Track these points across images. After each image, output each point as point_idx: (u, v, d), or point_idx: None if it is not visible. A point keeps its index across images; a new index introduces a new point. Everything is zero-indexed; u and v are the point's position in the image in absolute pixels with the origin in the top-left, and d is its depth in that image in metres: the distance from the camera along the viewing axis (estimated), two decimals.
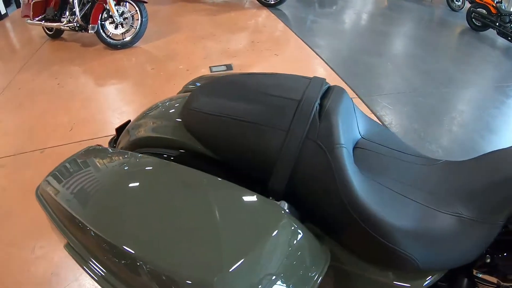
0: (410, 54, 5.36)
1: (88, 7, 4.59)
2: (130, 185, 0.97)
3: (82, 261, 0.90)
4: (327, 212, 1.01)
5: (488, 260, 1.05)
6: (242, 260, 0.77)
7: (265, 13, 6.17)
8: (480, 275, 1.06)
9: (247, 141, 1.06)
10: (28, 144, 2.94)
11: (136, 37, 4.71)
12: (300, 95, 1.08)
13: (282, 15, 6.01)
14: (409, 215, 1.01)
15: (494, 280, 1.04)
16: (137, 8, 4.61)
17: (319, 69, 4.28)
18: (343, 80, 4.07)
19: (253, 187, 0.97)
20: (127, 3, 4.64)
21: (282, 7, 6.42)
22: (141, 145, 1.27)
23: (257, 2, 6.50)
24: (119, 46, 4.67)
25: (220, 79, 1.26)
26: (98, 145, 1.25)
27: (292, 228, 0.90)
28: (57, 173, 1.07)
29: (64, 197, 0.96)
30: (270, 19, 5.89)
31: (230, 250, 0.78)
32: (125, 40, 4.69)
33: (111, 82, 3.91)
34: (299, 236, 0.90)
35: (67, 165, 1.09)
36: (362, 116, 1.29)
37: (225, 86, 1.22)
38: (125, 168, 1.04)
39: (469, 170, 1.15)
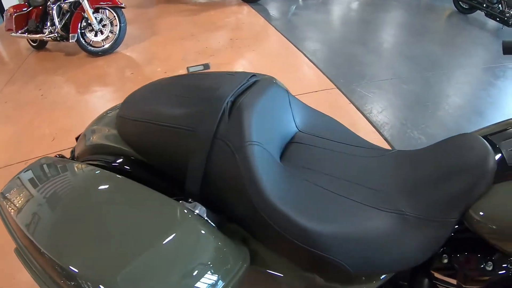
0: (395, 40, 5.36)
1: (68, 17, 4.64)
2: (62, 195, 1.00)
3: (28, 266, 0.95)
4: (241, 214, 0.99)
5: (446, 261, 0.97)
6: (135, 260, 0.78)
7: (245, 9, 6.21)
8: (439, 277, 0.99)
9: (165, 145, 1.06)
10: (16, 156, 3.02)
11: (116, 43, 4.76)
12: (214, 94, 1.06)
13: (262, 10, 6.05)
14: (338, 215, 0.94)
15: (453, 281, 0.96)
16: (115, 14, 4.67)
17: (298, 62, 4.32)
18: (322, 72, 4.09)
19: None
20: (105, 10, 4.69)
21: (264, 1, 6.45)
22: (90, 153, 1.28)
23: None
24: (100, 53, 4.73)
25: (148, 85, 1.28)
26: (58, 154, 1.30)
27: (197, 229, 0.89)
28: (11, 184, 1.10)
29: (12, 206, 1.00)
30: (250, 15, 5.93)
31: (125, 251, 0.81)
32: (104, 47, 4.74)
33: (92, 89, 3.98)
34: (205, 237, 0.89)
35: (21, 176, 1.12)
36: (302, 108, 1.26)
37: (151, 91, 1.23)
38: (63, 179, 1.06)
39: (420, 161, 1.07)
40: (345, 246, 0.91)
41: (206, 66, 4.08)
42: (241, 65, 4.20)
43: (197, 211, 0.95)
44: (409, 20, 6.14)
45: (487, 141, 0.99)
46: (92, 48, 4.71)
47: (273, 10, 6.17)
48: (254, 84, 1.14)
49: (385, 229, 0.93)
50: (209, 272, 0.84)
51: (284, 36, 4.99)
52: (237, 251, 0.93)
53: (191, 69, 4.00)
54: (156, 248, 0.83)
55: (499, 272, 0.92)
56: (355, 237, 0.91)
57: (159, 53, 4.67)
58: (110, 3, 4.63)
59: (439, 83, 4.05)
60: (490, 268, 0.91)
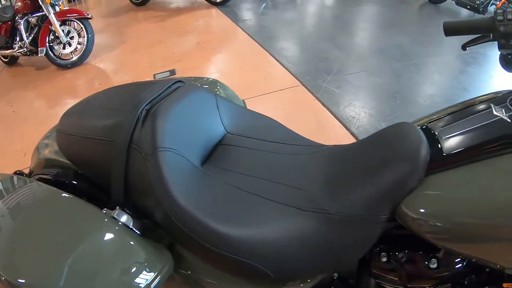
0: (365, 34, 5.43)
1: (36, 31, 4.65)
2: (2, 211, 1.01)
3: None
4: (159, 220, 0.99)
5: (385, 259, 0.95)
6: (55, 269, 0.82)
7: (214, 12, 6.26)
8: (383, 276, 0.97)
9: (92, 157, 1.08)
10: None
11: (84, 55, 4.78)
12: (132, 103, 1.07)
13: (230, 12, 6.10)
14: (254, 218, 0.93)
15: (395, 278, 0.95)
16: (82, 26, 4.70)
17: (263, 61, 4.38)
18: (288, 70, 4.15)
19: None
20: (73, 21, 4.72)
21: (232, 3, 6.49)
22: (42, 167, 1.30)
23: (206, 2, 6.58)
24: (69, 65, 4.75)
25: (84, 100, 1.30)
26: (17, 171, 1.30)
27: (117, 236, 0.91)
28: None
29: None
30: (218, 18, 5.98)
31: (47, 261, 0.84)
32: (73, 59, 4.77)
33: (62, 103, 4.01)
34: (125, 244, 0.91)
35: None
36: (233, 110, 1.26)
37: (84, 106, 1.23)
38: (8, 196, 1.07)
39: (351, 155, 1.05)
40: (262, 249, 0.89)
41: (172, 72, 4.13)
42: (207, 69, 4.26)
43: (120, 219, 0.97)
44: (380, 13, 6.21)
45: (426, 129, 0.98)
46: (61, 61, 4.73)
47: (241, 11, 6.23)
48: (175, 90, 1.15)
49: (307, 230, 0.90)
50: (127, 278, 0.86)
51: (251, 37, 5.05)
52: (158, 256, 0.94)
53: (158, 76, 4.06)
54: (74, 257, 0.85)
55: (444, 269, 0.91)
56: (273, 240, 0.89)
57: (127, 62, 4.72)
58: (76, 14, 4.65)
59: (408, 74, 4.11)
60: (435, 266, 0.90)
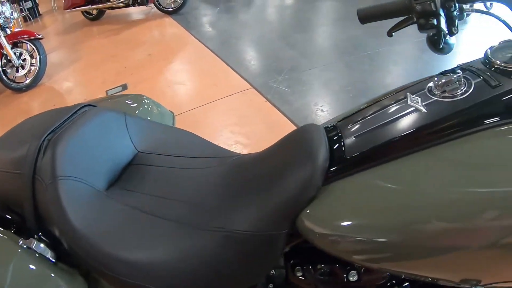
0: (318, 30, 5.47)
1: None
2: None
3: None
4: (66, 248, 0.96)
5: (300, 274, 0.91)
6: None
7: (167, 21, 6.29)
8: None
9: (6, 190, 1.07)
10: None
11: (38, 76, 4.75)
12: (37, 133, 1.06)
13: (183, 20, 6.14)
14: (154, 240, 0.91)
15: None
16: (34, 47, 4.68)
17: (214, 67, 4.44)
18: (238, 74, 4.18)
19: None
20: (24, 43, 4.69)
21: (185, 10, 6.50)
22: None
23: (160, 11, 6.59)
24: (23, 88, 4.73)
25: (6, 132, 1.27)
26: None
27: (28, 265, 0.91)
28: None
29: None
30: (171, 27, 6.03)
31: None
32: (26, 82, 4.74)
33: None
34: (36, 272, 0.92)
35: None
36: (145, 128, 1.24)
37: (3, 138, 1.21)
38: None
39: (254, 165, 1.01)
40: (158, 272, 0.86)
41: (124, 86, 4.17)
42: (157, 80, 4.31)
43: (35, 248, 0.95)
44: (333, 8, 6.26)
45: (332, 129, 0.93)
46: (16, 85, 4.72)
47: (194, 18, 6.27)
48: (80, 115, 1.12)
49: (206, 249, 0.87)
50: None
51: (203, 44, 5.11)
52: (71, 283, 0.94)
53: (110, 92, 4.09)
54: None
55: (367, 281, 0.87)
56: (170, 261, 0.87)
57: (80, 80, 4.76)
58: (27, 36, 4.65)
59: (361, 66, 4.13)
60: (355, 278, 0.86)
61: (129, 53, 5.19)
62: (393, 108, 0.89)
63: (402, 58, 4.26)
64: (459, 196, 0.70)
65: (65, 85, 4.71)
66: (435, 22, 0.90)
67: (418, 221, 0.72)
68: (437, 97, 0.84)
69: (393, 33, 1.04)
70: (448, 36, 0.96)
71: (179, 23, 6.06)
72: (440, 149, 0.77)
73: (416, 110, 0.84)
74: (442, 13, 0.91)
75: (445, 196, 0.71)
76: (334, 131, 0.93)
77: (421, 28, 0.93)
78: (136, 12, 6.99)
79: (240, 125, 3.30)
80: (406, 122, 0.83)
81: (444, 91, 0.84)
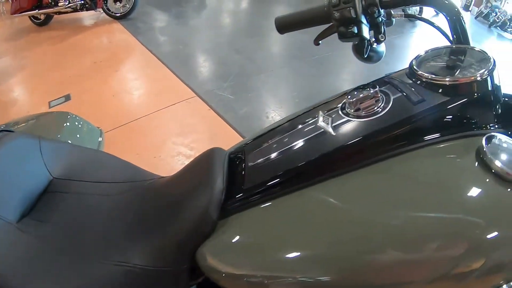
0: (266, 35, 5.51)
1: None
2: None
3: None
4: None
5: None
6: None
7: (115, 27, 6.20)
8: None
9: None
10: None
11: None
12: None
13: (131, 26, 6.07)
14: (55, 276, 0.86)
15: None
16: None
17: (159, 76, 4.44)
18: (184, 82, 4.20)
19: None
20: None
21: (135, 15, 6.42)
22: None
23: (108, 16, 6.49)
24: None
25: None
26: None
27: None
28: None
29: None
30: (119, 33, 5.96)
31: None
32: None
33: None
34: None
35: None
36: (59, 151, 1.17)
37: None
38: None
39: (163, 192, 0.98)
40: None
41: (67, 97, 4.09)
42: (102, 90, 4.25)
43: None
44: (284, 12, 6.27)
45: (237, 155, 0.90)
46: None
47: (143, 24, 6.21)
48: None
49: (109, 284, 0.82)
50: None
51: (149, 51, 5.08)
52: None
53: (53, 103, 4.01)
54: None
55: None
56: None
57: (23, 91, 4.63)
58: None
59: (308, 70, 4.19)
60: None
61: (74, 60, 5.08)
62: (302, 130, 0.83)
63: (350, 62, 4.30)
64: (367, 231, 0.64)
65: (8, 96, 4.57)
66: (355, 30, 0.84)
67: (318, 257, 0.67)
68: (350, 117, 0.78)
69: (320, 42, 0.99)
70: (375, 44, 0.93)
71: (127, 28, 5.99)
72: (349, 177, 0.72)
73: (325, 132, 0.78)
74: (364, 20, 0.85)
75: (349, 230, 0.66)
76: (238, 157, 0.88)
77: (342, 37, 0.87)
78: (84, 17, 6.86)
79: (183, 135, 3.32)
80: (312, 147, 0.77)
81: (358, 109, 0.78)
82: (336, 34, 0.90)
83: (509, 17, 12.25)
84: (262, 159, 0.83)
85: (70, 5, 6.12)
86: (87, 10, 6.27)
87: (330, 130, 0.77)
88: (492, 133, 0.68)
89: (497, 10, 12.27)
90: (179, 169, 1.02)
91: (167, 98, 3.90)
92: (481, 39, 11.35)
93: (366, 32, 0.86)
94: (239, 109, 3.71)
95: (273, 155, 0.82)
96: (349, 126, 0.76)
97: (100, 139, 1.67)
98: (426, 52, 0.86)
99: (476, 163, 0.66)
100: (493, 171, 0.64)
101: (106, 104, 3.87)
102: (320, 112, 0.84)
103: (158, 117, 3.60)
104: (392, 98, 0.78)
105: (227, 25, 6.27)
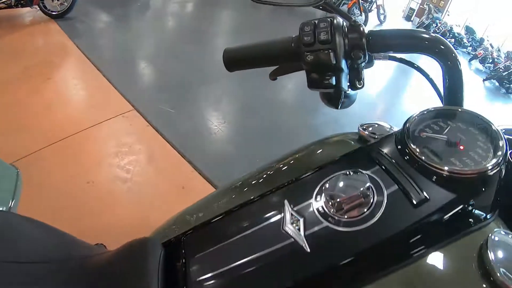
0: (212, 40, 5.47)
1: None
2: None
3: None
4: None
5: None
6: None
7: (51, 27, 5.75)
8: None
9: None
10: None
11: None
12: None
13: (68, 26, 5.66)
14: None
15: None
16: None
17: (95, 86, 4.17)
18: (122, 93, 3.97)
19: None
20: None
21: (73, 15, 5.99)
22: None
23: (44, 15, 6.02)
24: None
25: None
26: None
27: None
28: None
29: None
30: (54, 34, 5.52)
31: None
32: None
33: None
34: None
35: None
36: None
37: None
38: None
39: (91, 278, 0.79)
40: None
41: None
42: (30, 102, 3.84)
43: None
44: (230, 17, 6.16)
45: (174, 249, 0.74)
46: None
47: (81, 25, 5.83)
48: None
49: None
50: None
51: (86, 56, 4.74)
52: None
53: None
54: None
55: None
56: None
57: None
58: None
59: (254, 81, 3.96)
60: None
61: (2, 66, 4.64)
62: (263, 233, 0.64)
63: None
64: None
65: None
66: (333, 81, 0.69)
67: None
68: (330, 222, 0.59)
69: (276, 77, 0.88)
70: (349, 90, 0.76)
71: (63, 29, 5.58)
72: None
73: (295, 244, 0.58)
74: (344, 67, 0.70)
75: None
76: (176, 254, 0.70)
77: (313, 86, 0.72)
78: (18, 14, 6.34)
79: (120, 156, 3.09)
80: (278, 264, 0.59)
81: (340, 209, 0.58)
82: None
83: (449, 28, 12.85)
84: (209, 267, 0.64)
85: (4, 0, 5.62)
86: (22, 6, 5.75)
87: (303, 243, 0.57)
88: (496, 231, 0.56)
89: (437, 21, 12.80)
90: (107, 251, 0.84)
91: (102, 112, 3.63)
92: None
93: (345, 82, 0.72)
94: (180, 125, 3.53)
95: (225, 265, 0.63)
96: (330, 237, 0.57)
97: (16, 183, 1.39)
98: (421, 115, 0.70)
99: (478, 271, 0.53)
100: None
101: (35, 119, 3.50)
102: (286, 204, 0.64)
103: (91, 135, 3.32)
104: (386, 194, 0.60)
105: (170, 29, 6.04)
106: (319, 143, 0.94)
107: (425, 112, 0.71)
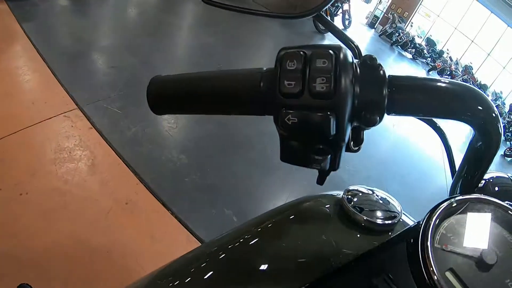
0: (170, 34, 5.14)
1: None
2: None
3: None
4: None
5: None
6: None
7: (2, 9, 5.20)
8: None
9: None
10: None
11: None
12: None
13: (19, 8, 4.96)
14: None
15: None
16: None
17: (39, 78, 3.75)
18: (64, 87, 3.58)
19: None
20: None
21: None
22: None
23: None
24: None
25: None
26: None
27: None
28: None
29: None
30: (2, 16, 4.96)
31: None
32: None
33: None
34: None
35: None
36: None
37: None
38: None
39: None
40: None
41: None
42: None
43: None
44: (193, 12, 5.84)
45: None
46: None
47: (33, 8, 5.13)
48: None
49: None
50: None
51: (33, 44, 4.23)
52: None
53: None
54: None
55: None
56: None
57: None
58: None
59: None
60: None
61: None
62: None
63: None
64: None
65: None
66: (327, 164, 0.46)
67: None
68: None
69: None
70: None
71: (13, 12, 5.03)
72: None
73: None
74: (347, 136, 0.46)
75: None
76: None
77: (290, 161, 0.49)
78: None
79: (58, 163, 2.77)
80: None
81: None
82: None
83: (411, 38, 13.00)
84: None
85: None
86: None
87: None
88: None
89: (400, 31, 12.92)
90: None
91: (43, 110, 3.26)
92: (384, 56, 11.79)
93: (338, 158, 0.47)
94: (127, 128, 3.24)
95: None
96: None
97: None
98: (447, 209, 0.52)
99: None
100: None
101: None
102: None
103: (28, 136, 2.96)
104: None
105: (131, 20, 5.66)
106: (296, 210, 0.79)
107: (454, 204, 0.51)
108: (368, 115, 0.44)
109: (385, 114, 0.46)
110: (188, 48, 4.65)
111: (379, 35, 13.89)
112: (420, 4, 14.67)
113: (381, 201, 0.73)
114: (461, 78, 10.83)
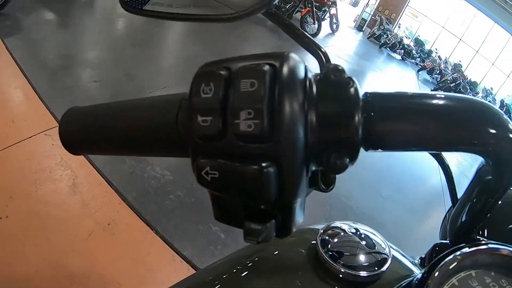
0: (158, 45, 4.97)
1: None
2: None
3: None
4: None
5: None
6: None
7: None
8: None
9: None
10: None
11: None
12: None
13: (0, 22, 4.98)
14: None
15: None
16: None
17: (18, 96, 3.60)
18: (46, 104, 3.44)
19: None
20: None
21: (9, 11, 5.24)
22: None
23: None
24: None
25: None
26: None
27: None
28: None
29: None
30: None
31: None
32: None
33: None
34: None
35: None
36: None
37: None
38: None
39: None
40: None
41: None
42: None
43: None
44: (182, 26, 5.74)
45: None
46: None
47: (15, 22, 5.04)
48: None
49: None
50: None
51: (14, 59, 4.07)
52: None
53: None
54: None
55: None
56: None
57: None
58: None
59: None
60: None
61: None
62: None
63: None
64: None
65: None
66: (271, 229, 0.31)
67: None
68: None
69: None
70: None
71: None
72: None
73: None
74: (303, 187, 0.31)
75: None
76: None
77: (226, 222, 0.36)
78: None
79: (37, 184, 2.64)
80: None
81: None
82: None
83: (399, 39, 12.97)
84: None
85: None
86: None
87: None
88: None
89: (388, 33, 12.87)
90: None
91: (23, 128, 3.12)
92: (373, 59, 11.73)
93: (300, 211, 0.33)
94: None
95: None
96: None
97: None
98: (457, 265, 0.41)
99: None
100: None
101: None
102: None
103: (8, 157, 2.83)
104: None
105: (115, 31, 5.52)
106: (261, 255, 0.65)
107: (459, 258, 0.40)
108: (332, 159, 0.29)
109: (360, 151, 0.31)
110: (175, 59, 4.53)
111: (368, 38, 13.85)
112: (407, 5, 14.64)
113: (365, 242, 0.60)
114: (451, 76, 10.76)
